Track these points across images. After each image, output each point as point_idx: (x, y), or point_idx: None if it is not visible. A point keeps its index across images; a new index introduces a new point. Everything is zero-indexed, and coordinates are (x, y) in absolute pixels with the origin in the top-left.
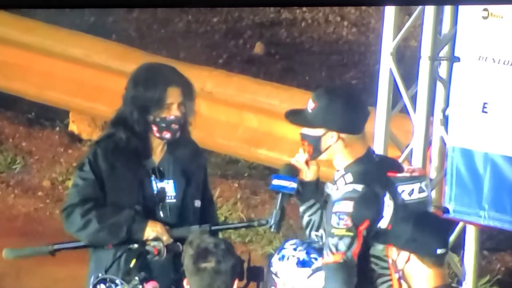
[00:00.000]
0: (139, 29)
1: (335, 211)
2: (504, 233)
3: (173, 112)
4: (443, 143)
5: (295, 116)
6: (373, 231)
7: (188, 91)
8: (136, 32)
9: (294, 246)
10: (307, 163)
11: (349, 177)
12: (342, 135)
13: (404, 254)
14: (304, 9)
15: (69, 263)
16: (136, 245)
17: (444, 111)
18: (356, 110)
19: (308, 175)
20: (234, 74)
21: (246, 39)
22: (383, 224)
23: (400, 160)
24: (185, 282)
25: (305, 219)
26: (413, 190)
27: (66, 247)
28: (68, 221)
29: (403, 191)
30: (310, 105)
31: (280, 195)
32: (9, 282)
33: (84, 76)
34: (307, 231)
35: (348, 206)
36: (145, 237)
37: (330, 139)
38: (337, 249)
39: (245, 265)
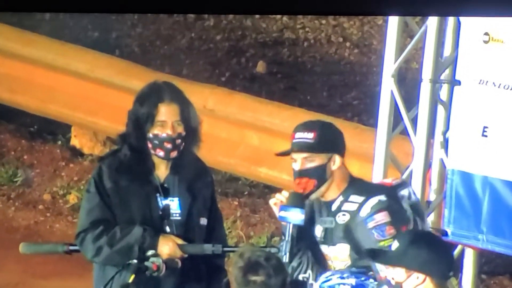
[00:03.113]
0: (142, 45)
1: (372, 227)
2: (502, 257)
3: (166, 130)
4: (443, 166)
5: (297, 147)
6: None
7: (187, 111)
8: (139, 48)
9: (339, 275)
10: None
11: (356, 197)
12: (342, 160)
13: (416, 276)
14: (307, 29)
15: (68, 276)
16: (135, 261)
17: (444, 133)
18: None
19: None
20: (236, 92)
21: (248, 57)
22: (394, 245)
23: None
24: None
25: (295, 262)
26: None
27: (78, 250)
28: (82, 248)
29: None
30: (308, 136)
31: (289, 226)
32: None
33: (86, 90)
34: (295, 275)
35: (385, 216)
36: (158, 253)
37: (333, 165)
38: None
39: None
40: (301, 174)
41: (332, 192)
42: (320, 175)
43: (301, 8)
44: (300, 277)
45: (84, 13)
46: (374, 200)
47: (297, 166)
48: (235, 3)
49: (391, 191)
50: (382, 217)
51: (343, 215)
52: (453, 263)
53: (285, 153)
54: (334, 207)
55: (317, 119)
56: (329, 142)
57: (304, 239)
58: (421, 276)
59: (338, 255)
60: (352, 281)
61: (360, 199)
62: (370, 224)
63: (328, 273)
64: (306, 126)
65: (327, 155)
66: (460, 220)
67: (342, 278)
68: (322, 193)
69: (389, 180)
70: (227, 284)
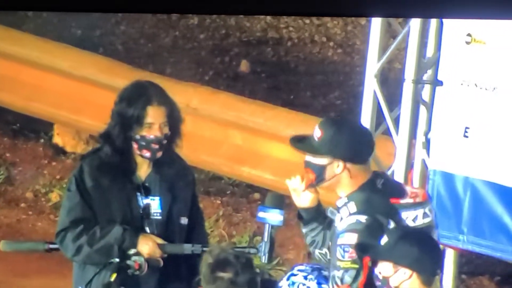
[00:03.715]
0: (126, 43)
1: (340, 244)
2: (482, 258)
3: (154, 132)
4: (424, 166)
5: (301, 143)
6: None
7: (173, 112)
8: (123, 46)
9: (305, 274)
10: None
11: (353, 207)
12: (348, 165)
13: (403, 271)
14: (291, 28)
15: (49, 274)
16: (117, 260)
17: (426, 134)
18: (362, 140)
19: (306, 202)
20: (220, 91)
21: (232, 56)
22: (384, 240)
23: None
24: None
25: (309, 239)
26: (417, 216)
27: (58, 248)
28: (62, 247)
29: (407, 217)
30: (317, 133)
31: (267, 227)
32: None
33: (70, 88)
34: (311, 249)
35: (352, 238)
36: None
37: (336, 169)
38: (342, 282)
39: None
40: (306, 164)
41: (342, 190)
42: (319, 172)
43: (284, 9)
44: (317, 252)
45: (69, 12)
46: (352, 218)
47: (306, 156)
48: (219, 3)
49: (386, 211)
50: (351, 238)
51: (338, 217)
52: (441, 260)
53: (294, 146)
54: (339, 204)
55: (342, 117)
56: (330, 146)
57: (321, 219)
58: (408, 271)
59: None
60: (312, 284)
61: (353, 209)
62: (339, 241)
63: (301, 267)
64: (321, 124)
65: (329, 158)
66: (441, 220)
67: (305, 278)
68: (327, 187)
69: (409, 192)
70: (198, 282)
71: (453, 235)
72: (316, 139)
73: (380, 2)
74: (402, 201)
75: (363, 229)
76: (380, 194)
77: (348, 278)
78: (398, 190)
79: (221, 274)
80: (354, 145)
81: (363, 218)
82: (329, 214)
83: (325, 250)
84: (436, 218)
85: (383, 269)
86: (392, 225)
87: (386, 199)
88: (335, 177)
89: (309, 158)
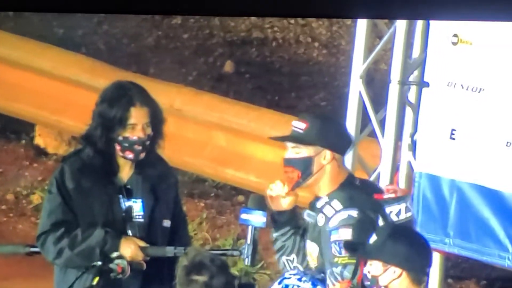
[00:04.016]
0: (109, 43)
1: (334, 240)
2: (468, 261)
3: (137, 133)
4: (410, 168)
5: (285, 137)
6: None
7: (155, 113)
8: (106, 46)
9: (298, 277)
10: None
11: (337, 204)
12: (336, 155)
13: (393, 270)
14: (275, 28)
15: (29, 278)
16: (99, 263)
17: (412, 136)
18: (344, 131)
19: (284, 205)
20: (204, 92)
21: (216, 57)
22: (372, 238)
23: None
24: None
25: (278, 244)
26: (400, 210)
27: (40, 252)
28: (43, 250)
29: (390, 212)
30: (300, 125)
31: (250, 229)
32: None
33: (51, 89)
34: (278, 255)
35: (347, 233)
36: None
37: (323, 160)
38: (342, 277)
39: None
40: (287, 162)
41: (323, 188)
42: (305, 167)
43: (269, 9)
44: (284, 259)
45: (52, 12)
46: (344, 214)
47: (286, 154)
48: (203, 4)
49: (372, 207)
50: (345, 233)
51: (322, 217)
52: (430, 258)
53: (277, 139)
54: (318, 205)
55: (321, 112)
56: (319, 135)
57: (294, 223)
58: (398, 270)
59: (312, 252)
60: (307, 286)
61: (338, 207)
62: (332, 237)
63: (293, 271)
64: (302, 116)
65: (316, 148)
66: (427, 223)
67: (300, 280)
68: (309, 185)
69: (385, 189)
70: (175, 286)
71: (439, 238)
72: (300, 131)
73: (366, 4)
74: (385, 196)
75: (356, 223)
76: (360, 191)
77: (347, 274)
78: (375, 187)
79: (196, 277)
80: (339, 134)
81: (354, 213)
82: (305, 217)
83: (293, 256)
84: (417, 214)
85: (372, 268)
86: (380, 219)
87: (369, 195)
88: (321, 169)
89: (291, 154)
